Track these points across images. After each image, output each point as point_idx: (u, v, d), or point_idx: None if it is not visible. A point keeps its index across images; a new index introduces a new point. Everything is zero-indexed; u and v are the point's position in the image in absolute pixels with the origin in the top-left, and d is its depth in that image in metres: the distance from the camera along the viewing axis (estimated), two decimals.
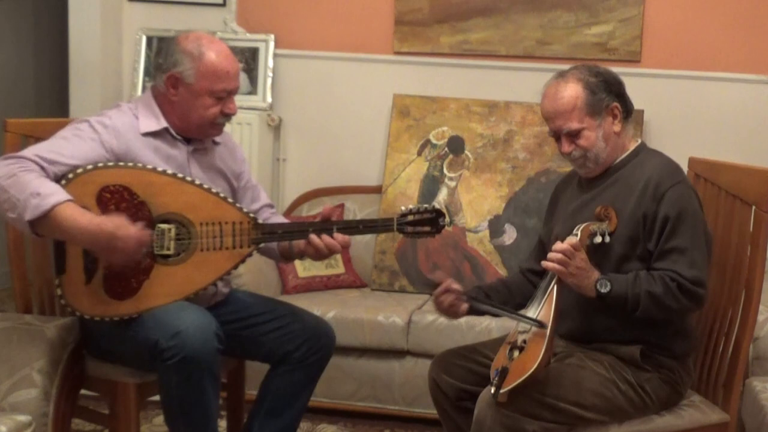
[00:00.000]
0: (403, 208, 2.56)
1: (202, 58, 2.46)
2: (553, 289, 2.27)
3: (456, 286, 2.44)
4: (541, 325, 2.21)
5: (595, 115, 2.38)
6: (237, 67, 2.54)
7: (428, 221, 2.55)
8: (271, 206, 2.78)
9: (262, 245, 2.54)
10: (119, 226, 2.25)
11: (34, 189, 2.21)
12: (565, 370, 2.30)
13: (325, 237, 2.49)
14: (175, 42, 2.50)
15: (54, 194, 2.23)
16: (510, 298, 2.52)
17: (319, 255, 2.52)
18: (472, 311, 2.45)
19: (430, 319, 3.44)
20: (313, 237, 2.48)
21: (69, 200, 2.24)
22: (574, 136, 2.38)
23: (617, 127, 2.41)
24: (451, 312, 2.45)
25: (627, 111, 2.44)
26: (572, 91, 2.37)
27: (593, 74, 2.40)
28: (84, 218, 2.24)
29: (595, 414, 2.27)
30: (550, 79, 2.44)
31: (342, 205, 3.95)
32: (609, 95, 2.39)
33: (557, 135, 2.42)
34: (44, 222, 2.22)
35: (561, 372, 2.29)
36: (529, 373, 2.12)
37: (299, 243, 2.56)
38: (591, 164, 2.42)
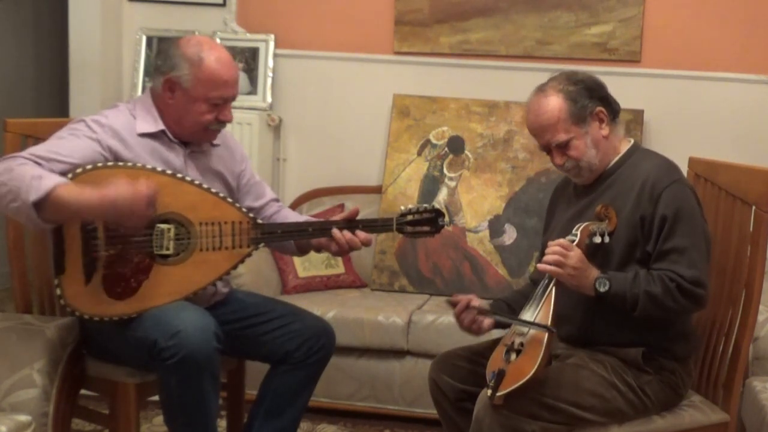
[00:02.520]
0: (402, 207, 2.56)
1: (200, 64, 2.45)
2: (551, 291, 2.26)
3: (476, 303, 2.43)
4: (550, 330, 2.19)
5: (580, 123, 2.37)
6: (236, 75, 2.53)
7: (427, 221, 2.56)
8: (276, 200, 2.78)
9: (261, 245, 2.54)
10: (119, 190, 2.22)
11: (34, 174, 2.21)
12: (564, 370, 2.30)
13: (347, 233, 2.51)
14: (175, 45, 2.49)
15: (54, 177, 2.23)
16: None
17: (341, 251, 2.54)
18: (498, 325, 2.46)
19: (430, 319, 3.44)
20: (336, 233, 2.50)
21: (68, 183, 2.25)
22: (563, 147, 2.38)
23: (605, 131, 2.40)
24: (473, 329, 2.45)
25: (613, 113, 2.42)
26: (554, 104, 2.36)
27: (572, 82, 2.39)
28: (85, 192, 2.22)
29: (594, 415, 2.27)
30: (530, 94, 2.43)
31: (342, 205, 3.95)
32: (591, 101, 2.38)
33: (547, 148, 2.42)
34: (48, 204, 2.20)
35: (560, 372, 2.29)
36: (528, 377, 2.11)
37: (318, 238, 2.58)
38: (585, 173, 2.41)
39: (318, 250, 2.63)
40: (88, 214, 2.27)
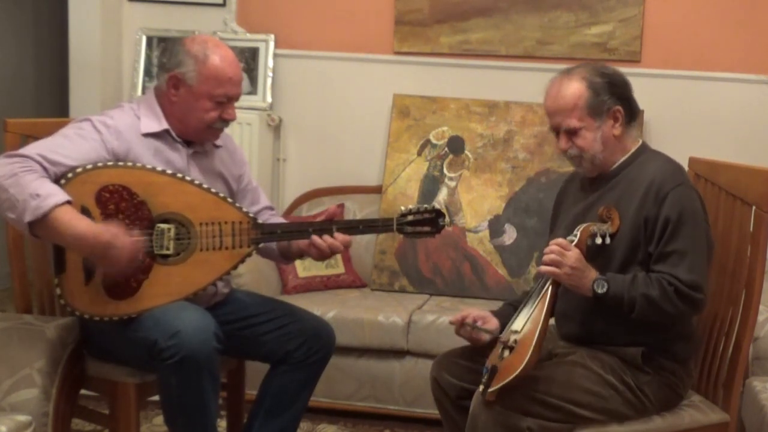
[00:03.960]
0: (402, 208, 2.56)
1: (205, 62, 2.46)
2: (548, 290, 2.27)
3: (470, 319, 2.43)
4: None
5: (595, 116, 2.36)
6: (240, 74, 2.53)
7: (428, 221, 2.56)
8: (271, 208, 2.78)
9: (261, 245, 2.54)
10: (116, 235, 2.25)
11: (33, 190, 2.21)
12: (560, 367, 2.31)
13: (327, 237, 2.50)
14: (180, 43, 2.50)
15: (53, 195, 2.23)
16: None
17: (322, 255, 2.53)
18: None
19: (430, 319, 3.44)
20: (315, 238, 2.49)
21: (68, 201, 2.24)
22: (572, 133, 2.37)
23: (617, 131, 2.39)
24: (476, 343, 2.46)
25: (631, 114, 2.41)
26: (575, 90, 2.36)
27: (599, 74, 2.38)
28: (81, 224, 2.24)
29: (591, 413, 2.27)
30: (555, 74, 2.42)
31: (342, 205, 3.94)
32: (612, 98, 2.37)
33: (557, 131, 2.41)
34: (42, 224, 2.22)
35: (555, 369, 2.30)
36: (516, 373, 2.12)
37: (299, 243, 2.56)
38: (587, 164, 2.40)
39: (301, 256, 2.63)
40: (76, 245, 2.26)
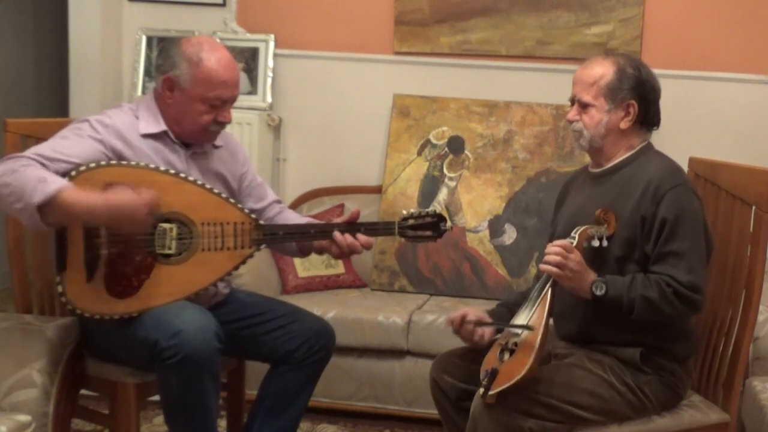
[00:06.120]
0: (404, 212, 2.56)
1: (199, 64, 2.45)
2: (548, 291, 2.27)
3: (471, 316, 2.43)
4: (529, 328, 2.22)
5: (609, 100, 2.40)
6: (236, 76, 2.52)
7: (429, 225, 2.55)
8: (278, 202, 2.79)
9: (263, 246, 2.54)
10: (122, 197, 2.26)
11: (37, 176, 2.22)
12: (560, 369, 2.31)
13: (348, 237, 2.51)
14: (176, 45, 2.50)
15: (58, 180, 2.24)
16: None
17: (341, 253, 2.54)
18: (498, 330, 2.46)
19: (430, 319, 3.44)
20: (338, 236, 2.51)
21: (73, 186, 2.25)
22: (583, 108, 2.42)
23: (625, 125, 2.41)
24: (476, 341, 2.45)
25: (645, 118, 2.43)
26: (602, 69, 2.41)
27: (633, 67, 2.42)
28: (90, 197, 2.25)
29: (591, 414, 2.27)
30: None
31: (342, 205, 3.95)
32: (632, 92, 2.40)
33: (572, 100, 2.46)
34: (52, 206, 2.21)
35: (556, 371, 2.30)
36: (518, 378, 2.12)
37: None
38: (583, 142, 2.44)
39: (320, 252, 2.64)
40: (90, 217, 2.27)
